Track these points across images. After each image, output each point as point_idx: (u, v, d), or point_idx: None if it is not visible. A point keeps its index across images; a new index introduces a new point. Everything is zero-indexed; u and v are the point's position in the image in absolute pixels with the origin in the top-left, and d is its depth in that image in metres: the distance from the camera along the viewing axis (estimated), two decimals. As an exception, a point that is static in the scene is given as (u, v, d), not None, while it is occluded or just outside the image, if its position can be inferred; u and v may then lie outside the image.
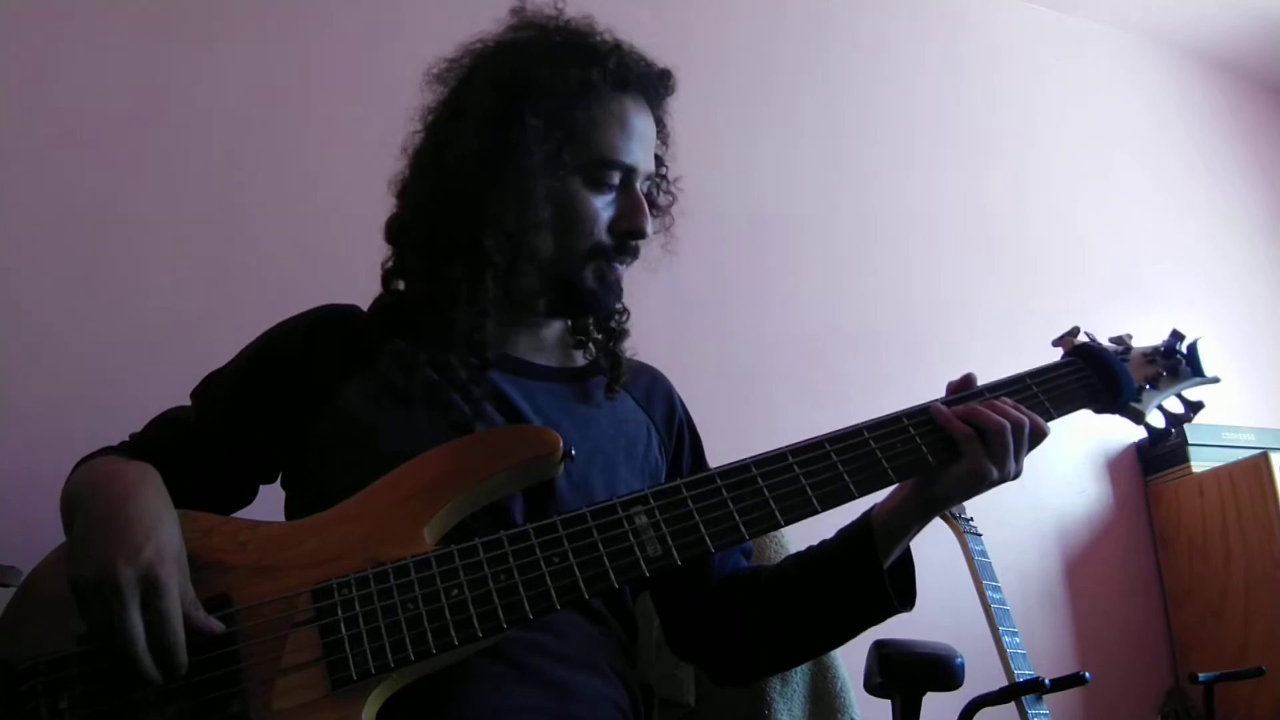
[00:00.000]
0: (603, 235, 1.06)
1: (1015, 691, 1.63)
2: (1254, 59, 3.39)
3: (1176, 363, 1.15)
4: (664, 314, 2.08)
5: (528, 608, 0.84)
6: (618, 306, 1.15)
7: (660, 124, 1.14)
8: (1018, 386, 1.06)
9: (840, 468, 0.95)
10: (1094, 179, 3.03)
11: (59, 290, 1.72)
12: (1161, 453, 2.69)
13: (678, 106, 1.17)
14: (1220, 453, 2.63)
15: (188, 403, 1.10)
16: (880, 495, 1.02)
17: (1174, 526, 2.64)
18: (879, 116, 2.74)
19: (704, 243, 2.17)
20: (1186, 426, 2.59)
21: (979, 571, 1.78)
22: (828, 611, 1.05)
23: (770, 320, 2.40)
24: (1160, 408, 1.15)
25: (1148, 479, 2.73)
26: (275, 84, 1.98)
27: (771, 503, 0.92)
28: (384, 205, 1.14)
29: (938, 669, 1.40)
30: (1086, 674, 1.59)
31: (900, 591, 1.02)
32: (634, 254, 1.10)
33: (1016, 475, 0.99)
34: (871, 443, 0.97)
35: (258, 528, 0.89)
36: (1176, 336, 1.17)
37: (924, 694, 1.41)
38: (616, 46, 1.09)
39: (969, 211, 2.78)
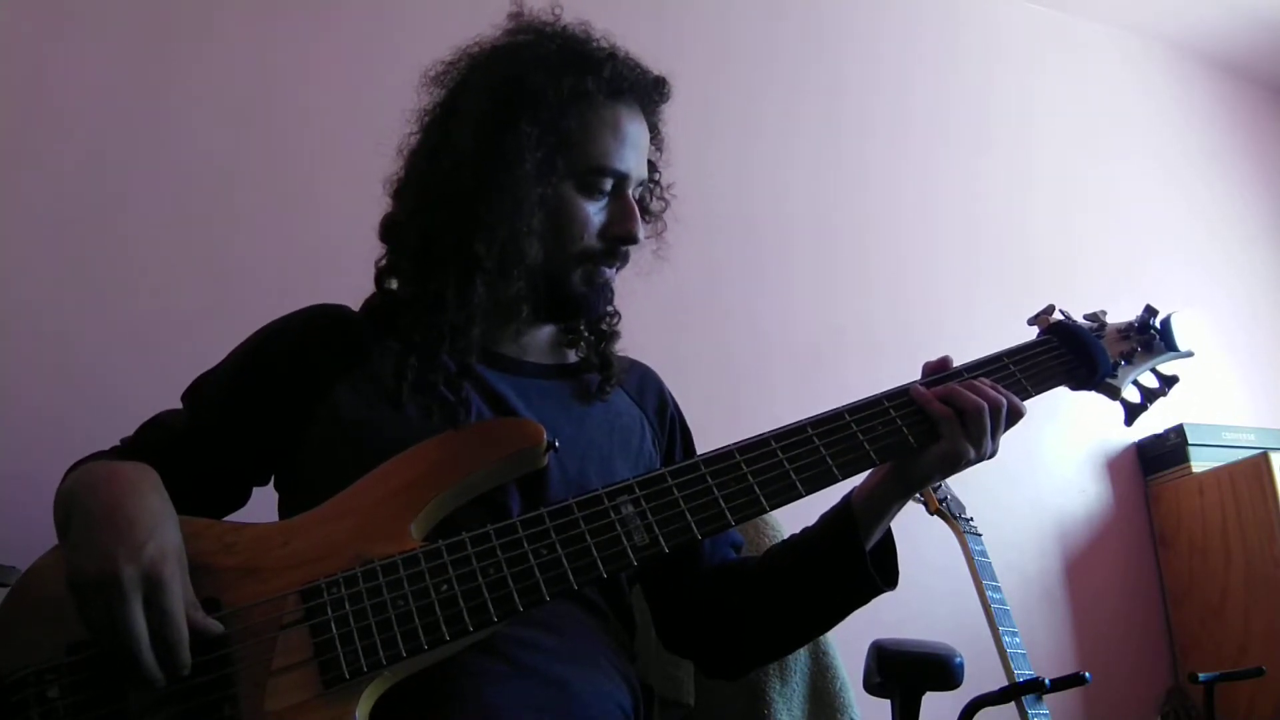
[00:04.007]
0: (593, 240, 1.07)
1: (1015, 691, 1.62)
2: (1253, 59, 3.39)
3: (1150, 338, 1.14)
4: (660, 316, 2.08)
5: (517, 600, 0.84)
6: (608, 310, 1.16)
7: (654, 130, 1.15)
8: (995, 366, 1.07)
9: (823, 451, 0.95)
10: (1093, 179, 3.02)
11: (57, 291, 1.72)
12: (1161, 453, 2.68)
13: (673, 108, 1.17)
14: (1220, 453, 2.63)
15: (180, 405, 1.10)
16: (860, 478, 1.02)
17: (1174, 526, 2.63)
18: (875, 117, 2.74)
19: (700, 245, 2.17)
20: (1186, 426, 2.62)
21: (979, 571, 1.77)
22: (813, 595, 1.05)
23: (767, 322, 2.39)
24: (1136, 383, 1.15)
25: (1148, 479, 2.72)
26: (271, 84, 1.99)
27: (756, 488, 0.92)
28: (379, 206, 1.14)
29: (937, 669, 1.39)
30: (1086, 674, 1.57)
31: (883, 572, 1.02)
32: (624, 259, 1.11)
33: (993, 454, 1.00)
34: (853, 425, 0.98)
35: (243, 530, 0.89)
36: (1150, 312, 1.17)
37: (923, 694, 1.41)
38: (611, 54, 1.09)
39: (966, 212, 2.78)
